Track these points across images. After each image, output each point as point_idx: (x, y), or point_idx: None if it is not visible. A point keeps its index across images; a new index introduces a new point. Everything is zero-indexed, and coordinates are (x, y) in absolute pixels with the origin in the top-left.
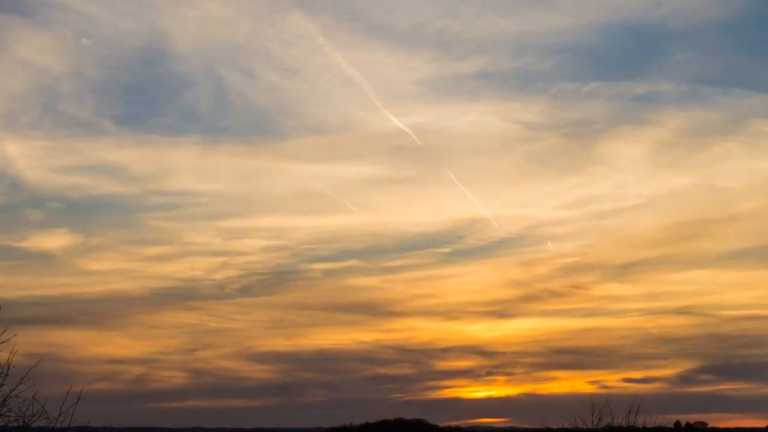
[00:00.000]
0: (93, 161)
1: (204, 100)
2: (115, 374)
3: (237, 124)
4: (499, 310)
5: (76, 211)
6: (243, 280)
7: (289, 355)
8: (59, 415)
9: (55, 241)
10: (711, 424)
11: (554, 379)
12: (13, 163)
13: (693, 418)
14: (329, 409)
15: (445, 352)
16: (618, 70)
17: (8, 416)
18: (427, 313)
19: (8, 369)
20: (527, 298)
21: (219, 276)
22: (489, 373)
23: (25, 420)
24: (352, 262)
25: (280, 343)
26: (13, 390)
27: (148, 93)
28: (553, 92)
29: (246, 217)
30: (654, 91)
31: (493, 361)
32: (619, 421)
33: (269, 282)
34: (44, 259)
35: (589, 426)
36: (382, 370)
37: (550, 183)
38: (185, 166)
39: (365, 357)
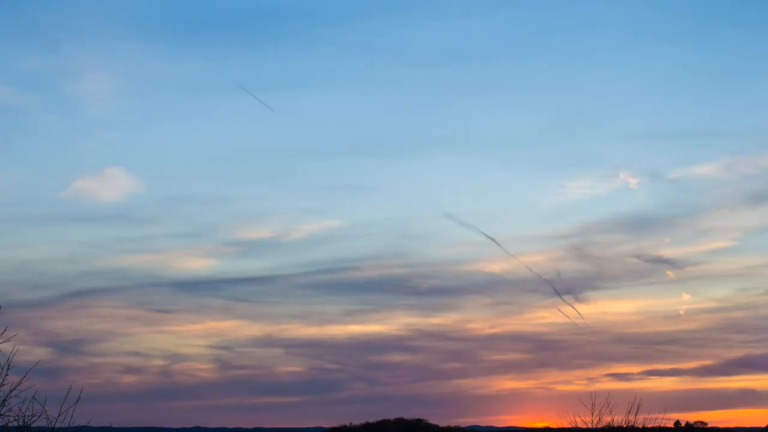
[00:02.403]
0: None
1: None
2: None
3: None
4: (573, 289)
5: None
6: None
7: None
8: (59, 415)
9: (101, 189)
10: (711, 423)
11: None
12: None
13: (694, 416)
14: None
15: (494, 340)
16: None
17: (8, 416)
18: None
19: (8, 368)
20: (618, 275)
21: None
22: (540, 365)
23: (25, 420)
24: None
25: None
26: (13, 389)
27: None
28: None
29: (369, 155)
30: None
31: (544, 352)
32: (619, 420)
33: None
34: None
35: (589, 425)
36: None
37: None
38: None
39: (408, 346)
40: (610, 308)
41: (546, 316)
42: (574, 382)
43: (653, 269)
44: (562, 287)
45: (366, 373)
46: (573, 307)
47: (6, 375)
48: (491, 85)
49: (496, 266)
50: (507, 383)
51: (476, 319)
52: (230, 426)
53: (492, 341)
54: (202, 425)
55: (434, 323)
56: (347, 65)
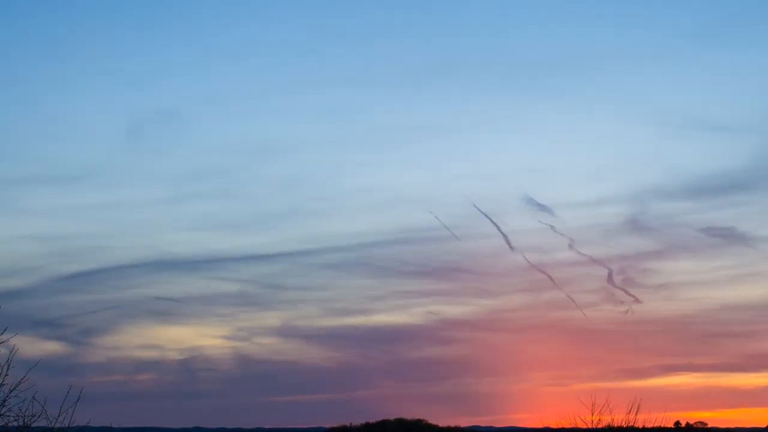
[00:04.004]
0: None
1: None
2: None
3: None
4: (626, 270)
5: None
6: None
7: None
8: (59, 415)
9: None
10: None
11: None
12: None
13: (695, 415)
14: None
15: (531, 332)
16: None
17: (8, 416)
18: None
19: (8, 369)
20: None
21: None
22: (570, 360)
23: (25, 420)
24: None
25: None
26: (13, 389)
27: None
28: None
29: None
30: None
31: (582, 346)
32: (620, 420)
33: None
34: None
35: (589, 426)
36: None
37: None
38: None
39: (437, 336)
40: (670, 294)
41: (594, 302)
42: (588, 379)
43: (724, 245)
44: (615, 268)
45: (394, 369)
46: (625, 292)
47: (6, 375)
48: None
49: (538, 240)
50: (528, 380)
51: (514, 309)
52: (231, 426)
53: (529, 333)
54: (207, 425)
55: (465, 311)
56: None
